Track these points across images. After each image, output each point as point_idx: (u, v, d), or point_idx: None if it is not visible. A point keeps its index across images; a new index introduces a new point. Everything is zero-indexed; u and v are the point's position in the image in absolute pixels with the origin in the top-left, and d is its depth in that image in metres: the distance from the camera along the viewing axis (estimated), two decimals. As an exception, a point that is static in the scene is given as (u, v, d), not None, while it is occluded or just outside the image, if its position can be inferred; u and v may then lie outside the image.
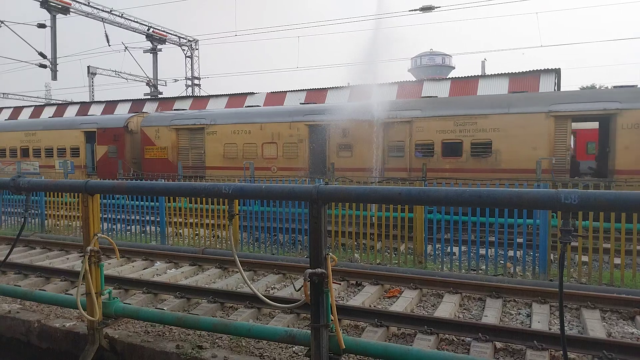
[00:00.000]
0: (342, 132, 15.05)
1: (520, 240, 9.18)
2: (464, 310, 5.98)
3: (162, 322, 5.05)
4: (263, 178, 15.07)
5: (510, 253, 8.30)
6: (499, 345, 4.81)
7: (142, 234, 11.24)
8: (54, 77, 26.58)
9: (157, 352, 4.80)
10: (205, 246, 9.89)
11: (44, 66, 26.36)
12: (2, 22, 24.20)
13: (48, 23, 25.46)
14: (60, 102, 36.36)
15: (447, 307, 5.83)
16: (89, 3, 28.07)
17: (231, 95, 25.03)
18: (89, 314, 4.75)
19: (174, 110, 20.99)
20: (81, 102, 29.98)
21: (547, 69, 21.21)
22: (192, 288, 6.56)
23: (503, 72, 21.40)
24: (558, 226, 8.12)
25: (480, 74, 28.89)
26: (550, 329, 5.22)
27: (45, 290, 6.46)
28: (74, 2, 27.04)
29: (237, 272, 7.76)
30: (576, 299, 5.89)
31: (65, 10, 26.22)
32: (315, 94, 22.69)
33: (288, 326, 5.23)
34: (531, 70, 21.43)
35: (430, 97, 16.24)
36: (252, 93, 24.19)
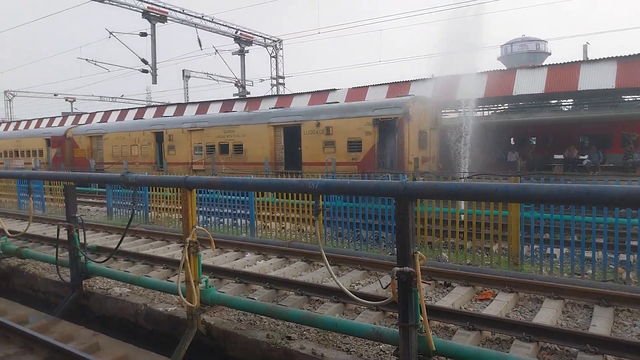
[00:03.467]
0: (169, 137, 22.54)
1: (635, 242, 8.25)
2: (568, 318, 5.58)
3: (253, 311, 5.30)
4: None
5: (622, 257, 7.49)
6: (610, 359, 4.43)
7: (234, 226, 11.82)
8: (154, 81, 28.76)
9: (249, 340, 5.04)
10: (291, 239, 10.18)
11: (146, 71, 28.56)
12: (111, 33, 26.56)
13: (149, 31, 27.55)
14: (160, 103, 39.23)
15: (548, 314, 5.46)
16: (183, 10, 29.92)
17: (314, 93, 25.37)
18: (188, 300, 5.12)
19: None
20: (178, 103, 32.05)
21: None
22: (280, 280, 6.80)
23: (610, 56, 19.18)
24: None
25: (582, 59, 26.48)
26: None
27: (149, 277, 7.03)
28: (170, 11, 29.00)
29: (323, 266, 7.92)
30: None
31: (163, 19, 28.19)
32: (398, 88, 22.28)
33: (374, 323, 5.24)
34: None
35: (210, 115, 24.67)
36: (334, 89, 24.32)
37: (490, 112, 26.15)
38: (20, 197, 17.39)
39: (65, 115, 41.92)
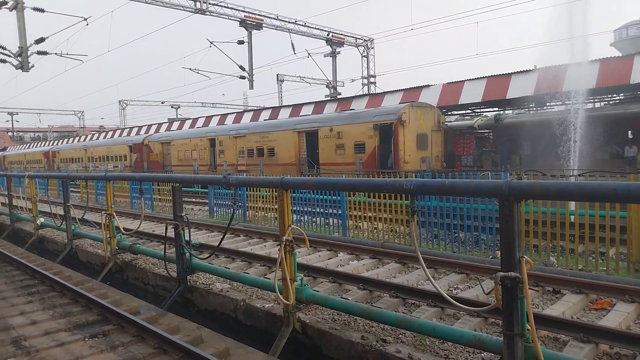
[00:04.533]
0: (219, 142, 25.79)
1: None
2: None
3: (347, 312, 5.28)
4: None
5: None
6: None
7: (326, 226, 11.94)
8: (251, 87, 30.09)
9: (344, 340, 5.02)
10: (384, 240, 10.04)
11: (243, 77, 29.96)
12: (212, 43, 28.25)
13: (246, 39, 28.88)
14: (255, 107, 40.99)
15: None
16: (277, 17, 30.95)
17: (406, 90, 24.86)
18: (285, 298, 5.23)
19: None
20: (272, 107, 33.22)
21: None
22: (373, 281, 6.71)
23: None
24: None
25: None
26: None
27: (248, 274, 7.31)
28: (266, 18, 30.15)
29: (417, 268, 7.70)
30: None
31: (259, 26, 29.39)
32: (497, 81, 21.04)
33: (475, 330, 4.96)
34: None
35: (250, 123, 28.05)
36: (428, 85, 23.62)
37: (602, 103, 23.84)
38: (133, 197, 19.13)
39: (170, 121, 45.33)
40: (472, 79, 22.03)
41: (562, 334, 4.80)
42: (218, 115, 37.77)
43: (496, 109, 26.89)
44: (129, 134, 43.11)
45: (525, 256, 3.46)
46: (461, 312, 5.49)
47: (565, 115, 17.02)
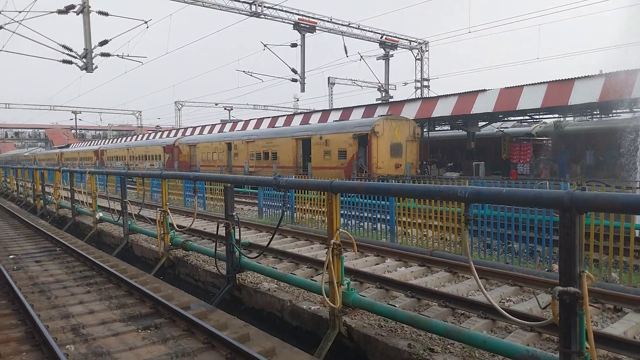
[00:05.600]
0: (234, 146, 29.39)
1: None
2: None
3: (394, 319, 5.19)
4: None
5: None
6: None
7: (373, 231, 11.84)
8: (302, 89, 30.41)
9: (390, 347, 4.95)
10: (434, 248, 9.83)
11: (295, 80, 30.33)
12: (265, 46, 28.82)
13: (299, 42, 29.23)
14: (306, 110, 41.35)
15: None
16: (331, 19, 31.12)
17: (460, 94, 24.27)
18: (331, 301, 5.22)
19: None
20: (322, 110, 33.31)
21: None
22: (422, 289, 6.58)
23: None
24: None
25: None
26: None
27: (295, 275, 7.37)
28: (319, 21, 30.38)
29: (468, 277, 7.48)
30: None
31: (312, 29, 29.67)
32: (559, 86, 20.12)
33: (528, 345, 4.75)
34: None
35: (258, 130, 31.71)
36: (484, 90, 22.93)
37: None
38: (186, 195, 19.77)
39: (223, 123, 46.55)
40: (532, 84, 21.14)
41: (623, 354, 4.53)
42: (269, 117, 38.37)
43: (556, 115, 25.76)
44: (183, 134, 45.28)
45: (587, 271, 3.28)
46: (513, 326, 5.28)
47: (636, 123, 16.04)
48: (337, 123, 24.57)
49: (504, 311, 3.98)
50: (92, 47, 21.12)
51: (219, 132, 40.96)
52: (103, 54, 21.90)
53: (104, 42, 21.43)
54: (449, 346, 4.88)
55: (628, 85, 16.68)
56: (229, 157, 30.09)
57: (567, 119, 26.35)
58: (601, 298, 6.07)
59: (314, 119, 31.88)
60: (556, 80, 20.31)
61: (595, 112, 24.03)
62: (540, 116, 26.45)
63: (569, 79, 19.79)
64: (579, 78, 19.41)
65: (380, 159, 20.79)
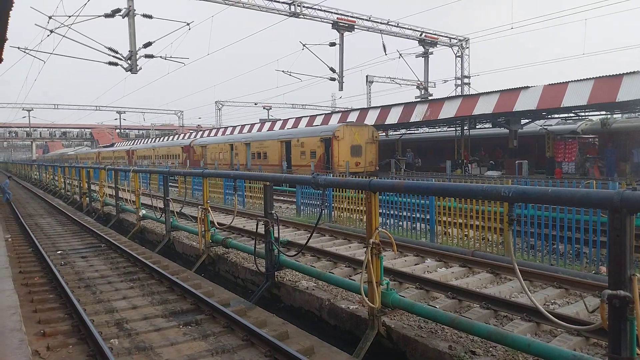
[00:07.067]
0: (235, 147, 34.27)
1: None
2: None
3: (435, 320, 5.13)
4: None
5: None
6: None
7: (412, 230, 11.71)
8: (340, 88, 30.40)
9: (430, 349, 4.90)
10: (475, 248, 9.63)
11: (333, 79, 30.35)
12: (304, 45, 28.98)
13: (337, 41, 29.23)
14: (344, 109, 41.32)
15: None
16: (370, 18, 30.95)
17: (502, 92, 23.62)
18: (370, 300, 5.21)
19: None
20: (361, 109, 33.13)
21: None
22: (463, 290, 6.46)
23: None
24: None
25: None
26: None
27: (333, 274, 7.38)
28: (358, 19, 30.28)
29: (511, 279, 7.30)
30: None
31: (351, 28, 29.61)
32: (606, 82, 19.25)
33: (574, 349, 4.59)
34: None
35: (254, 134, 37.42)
36: (526, 87, 22.22)
37: None
38: (226, 193, 20.15)
39: (262, 122, 47.15)
40: (577, 80, 20.37)
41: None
42: (307, 117, 38.53)
43: (603, 112, 24.72)
44: (223, 133, 46.93)
45: (637, 274, 3.15)
46: (559, 330, 5.12)
47: None
48: (309, 128, 29.82)
49: (548, 314, 3.87)
50: (137, 49, 21.86)
51: (256, 131, 41.84)
52: (147, 56, 22.64)
53: (147, 44, 22.17)
54: (491, 349, 4.78)
55: None
56: (231, 156, 34.69)
57: (615, 116, 25.25)
58: (654, 303, 5.79)
59: (352, 117, 31.74)
60: (603, 76, 19.49)
61: (646, 109, 22.88)
62: (586, 113, 25.46)
63: (616, 74, 18.95)
64: (627, 74, 18.56)
65: (341, 158, 24.85)
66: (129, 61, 21.82)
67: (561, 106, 20.81)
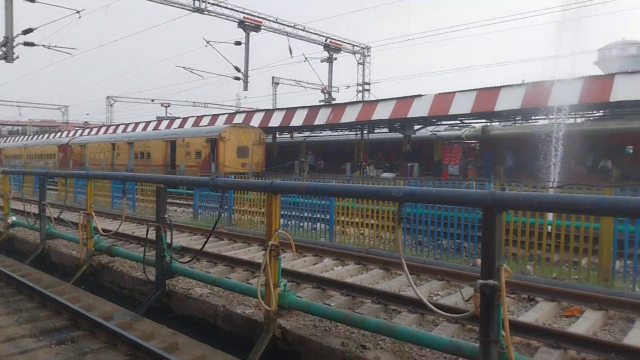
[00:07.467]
0: (117, 147, 33.15)
1: None
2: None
3: (330, 318, 5.23)
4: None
5: None
6: None
7: (313, 231, 11.87)
8: (245, 88, 30.12)
9: (324, 347, 4.99)
10: (370, 246, 10.04)
11: (238, 78, 29.92)
12: (208, 42, 28.23)
13: (243, 40, 28.88)
14: (248, 109, 40.80)
15: (641, 334, 4.91)
16: (276, 20, 30.99)
17: (399, 99, 25.00)
18: (267, 303, 5.16)
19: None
20: (266, 110, 32.92)
21: None
22: (357, 287, 6.68)
23: None
24: None
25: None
26: None
27: (230, 279, 7.20)
28: (265, 20, 30.16)
29: (401, 274, 7.71)
30: None
31: (257, 28, 29.44)
32: (486, 93, 21.25)
33: (453, 336, 4.96)
34: None
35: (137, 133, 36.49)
36: (420, 95, 23.77)
37: (583, 119, 24.36)
38: (114, 197, 18.66)
39: (159, 120, 45.00)
40: (463, 91, 22.19)
41: (534, 340, 4.87)
42: (209, 115, 37.49)
43: (484, 120, 27.21)
44: (114, 131, 44.20)
45: (505, 265, 3.49)
46: (440, 319, 5.50)
47: (549, 129, 17.36)
48: (195, 128, 30.05)
49: (431, 305, 4.14)
50: (14, 35, 19.64)
51: (153, 129, 39.82)
52: (27, 43, 20.42)
53: (28, 30, 19.99)
54: (380, 342, 4.99)
55: (545, 94, 18.03)
56: (112, 156, 33.69)
57: (494, 124, 27.93)
58: (517, 289, 6.49)
59: (257, 118, 31.46)
60: (484, 88, 21.43)
61: (518, 118, 25.61)
62: (470, 121, 27.82)
63: (495, 87, 20.94)
64: (504, 86, 20.59)
65: (227, 158, 24.92)
66: (3, 48, 19.53)
67: (449, 114, 22.52)
